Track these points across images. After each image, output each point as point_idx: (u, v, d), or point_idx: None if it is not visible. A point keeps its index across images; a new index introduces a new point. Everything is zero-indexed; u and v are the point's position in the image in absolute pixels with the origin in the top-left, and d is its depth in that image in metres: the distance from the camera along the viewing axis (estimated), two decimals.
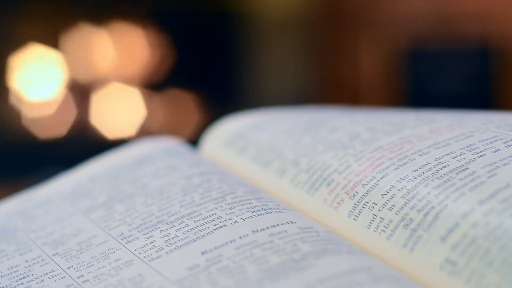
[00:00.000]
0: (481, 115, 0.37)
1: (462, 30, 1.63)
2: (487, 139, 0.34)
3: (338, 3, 1.72)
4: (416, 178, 0.32)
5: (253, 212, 0.33)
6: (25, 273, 0.33)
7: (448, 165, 0.32)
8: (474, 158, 0.32)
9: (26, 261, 0.34)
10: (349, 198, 0.33)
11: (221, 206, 0.34)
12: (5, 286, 0.32)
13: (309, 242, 0.30)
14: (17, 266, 0.34)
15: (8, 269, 0.34)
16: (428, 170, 0.32)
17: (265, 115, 0.45)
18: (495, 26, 1.61)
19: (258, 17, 1.69)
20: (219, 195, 0.35)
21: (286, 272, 0.28)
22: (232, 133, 0.43)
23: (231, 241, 0.31)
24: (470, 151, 0.33)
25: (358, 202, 0.33)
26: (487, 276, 0.27)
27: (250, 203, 0.34)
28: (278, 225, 0.31)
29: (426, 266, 0.29)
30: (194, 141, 0.49)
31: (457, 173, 0.31)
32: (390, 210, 0.31)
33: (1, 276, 0.33)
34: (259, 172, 0.39)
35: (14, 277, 0.33)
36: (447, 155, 0.33)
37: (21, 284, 0.32)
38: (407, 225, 0.30)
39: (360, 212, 0.32)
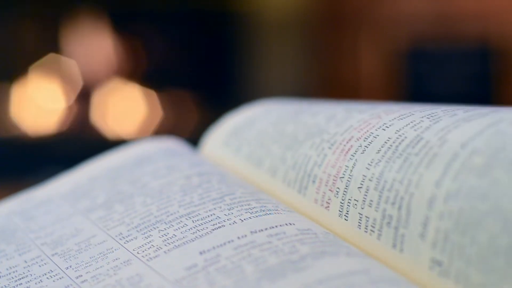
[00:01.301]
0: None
1: (462, 30, 1.63)
2: (449, 109, 0.32)
3: (338, 3, 1.72)
4: (380, 160, 0.31)
5: (251, 213, 0.33)
6: (24, 273, 0.33)
7: (406, 137, 0.31)
8: (430, 125, 0.31)
9: (25, 261, 0.34)
10: (334, 196, 0.33)
11: (220, 207, 0.34)
12: (4, 286, 0.32)
13: (307, 244, 0.30)
14: (16, 266, 0.34)
15: (7, 269, 0.34)
16: (389, 148, 0.31)
17: (260, 108, 0.45)
18: (495, 26, 1.61)
19: (258, 17, 1.69)
20: (218, 195, 0.35)
21: (284, 272, 0.28)
22: (229, 131, 0.43)
23: (229, 241, 0.31)
24: (429, 118, 0.32)
25: (342, 200, 0.32)
26: (471, 276, 0.25)
27: (249, 204, 0.34)
28: (276, 226, 0.31)
29: (418, 267, 0.28)
30: (194, 141, 0.49)
31: (413, 147, 0.30)
32: (370, 206, 0.31)
33: (0, 276, 0.33)
34: (254, 172, 0.39)
35: (13, 277, 0.33)
36: (407, 125, 0.32)
37: (20, 284, 0.32)
38: (389, 222, 0.29)
39: (347, 211, 0.32)
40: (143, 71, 1.69)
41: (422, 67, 1.65)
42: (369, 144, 0.33)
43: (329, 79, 1.75)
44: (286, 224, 0.32)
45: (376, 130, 0.33)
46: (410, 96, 1.66)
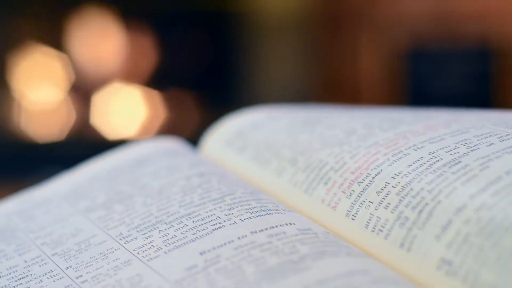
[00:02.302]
0: (478, 113, 0.38)
1: (462, 30, 1.63)
2: (482, 134, 0.34)
3: (338, 3, 1.72)
4: (410, 173, 0.32)
5: (252, 213, 0.33)
6: (24, 273, 0.33)
7: (442, 159, 0.32)
8: (468, 152, 0.32)
9: (25, 261, 0.34)
10: (346, 197, 0.33)
11: (220, 207, 0.34)
12: (4, 286, 0.32)
13: (307, 244, 0.30)
14: (16, 266, 0.34)
15: (7, 269, 0.34)
16: (422, 165, 0.32)
17: (264, 113, 0.45)
18: (495, 26, 1.61)
19: (258, 17, 1.69)
20: (218, 196, 0.35)
21: (284, 273, 0.28)
22: (232, 132, 0.43)
23: (229, 242, 0.31)
24: (464, 145, 0.33)
25: (354, 201, 0.33)
26: (482, 276, 0.26)
27: (249, 204, 0.34)
28: (276, 226, 0.31)
29: (424, 266, 0.28)
30: (194, 141, 0.49)
31: (450, 167, 0.31)
32: (386, 208, 0.31)
33: (0, 276, 0.33)
34: (258, 172, 0.39)
35: (13, 277, 0.33)
36: (441, 149, 0.33)
37: (20, 284, 0.32)
38: (403, 224, 0.30)
39: (357, 212, 0.32)
40: (144, 71, 1.69)
41: (422, 67, 1.65)
42: (398, 159, 0.33)
43: (329, 79, 1.75)
44: (286, 224, 0.32)
45: (406, 149, 0.34)
46: (410, 96, 1.66)
